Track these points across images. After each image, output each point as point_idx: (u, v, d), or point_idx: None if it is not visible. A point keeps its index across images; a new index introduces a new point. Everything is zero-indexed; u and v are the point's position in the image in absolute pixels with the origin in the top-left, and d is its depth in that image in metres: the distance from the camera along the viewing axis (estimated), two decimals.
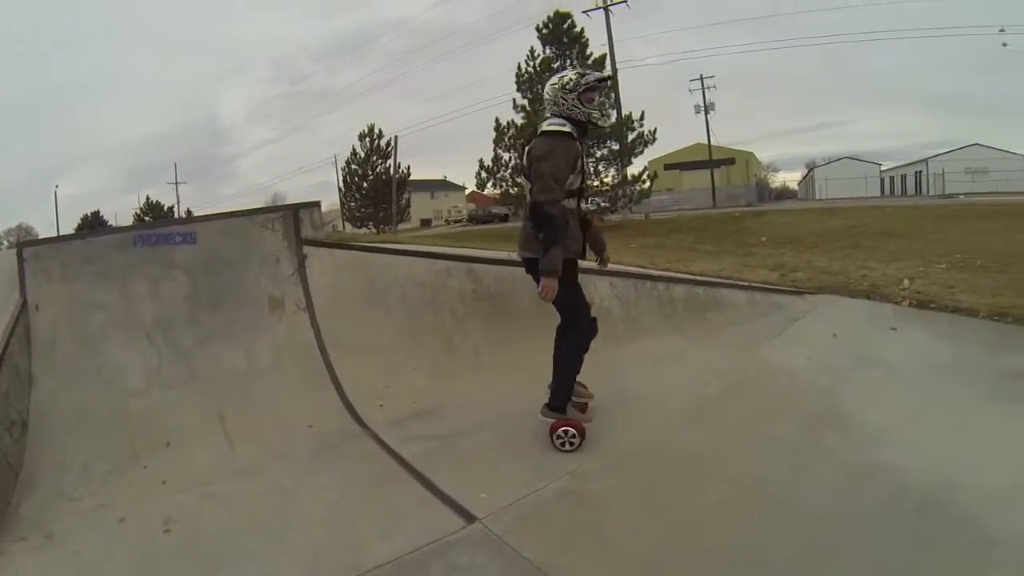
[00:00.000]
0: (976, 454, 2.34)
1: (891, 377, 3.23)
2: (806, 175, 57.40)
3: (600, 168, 20.94)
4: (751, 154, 48.04)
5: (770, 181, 57.27)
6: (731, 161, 39.95)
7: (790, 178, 68.95)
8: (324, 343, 3.54)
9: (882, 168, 49.96)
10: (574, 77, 2.68)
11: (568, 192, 2.62)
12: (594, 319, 2.85)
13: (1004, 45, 34.29)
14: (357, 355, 3.47)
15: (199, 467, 2.67)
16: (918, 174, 43.24)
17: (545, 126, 2.68)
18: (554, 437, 2.63)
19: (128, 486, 2.56)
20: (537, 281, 2.58)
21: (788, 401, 2.99)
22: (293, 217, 3.85)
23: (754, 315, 4.50)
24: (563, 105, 2.67)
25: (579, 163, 2.65)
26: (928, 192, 38.02)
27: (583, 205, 2.87)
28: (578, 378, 2.84)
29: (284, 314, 3.64)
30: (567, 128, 2.61)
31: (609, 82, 3.96)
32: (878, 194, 42.22)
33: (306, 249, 3.82)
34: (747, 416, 2.83)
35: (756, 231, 12.44)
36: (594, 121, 2.73)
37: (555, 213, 2.49)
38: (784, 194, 54.44)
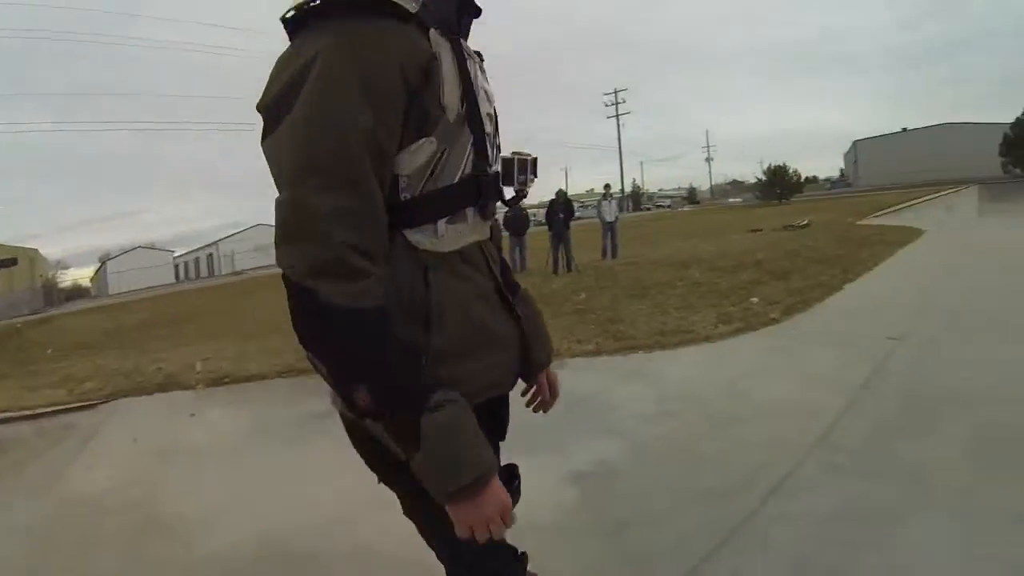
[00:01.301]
0: (251, 496, 2.71)
1: (198, 461, 3.36)
2: (98, 270, 53.77)
3: None
4: (36, 251, 41.32)
5: (59, 281, 51.57)
6: (13, 262, 32.30)
7: (83, 275, 62.31)
8: None
9: (175, 255, 52.67)
10: None
11: (424, 200, 0.83)
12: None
13: None
14: None
15: None
16: (210, 256, 48.16)
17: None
18: None
19: None
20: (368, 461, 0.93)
21: (105, 533, 2.67)
22: None
23: (45, 447, 4.01)
24: None
25: (442, 92, 0.81)
26: (220, 272, 43.10)
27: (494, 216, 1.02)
28: None
29: None
30: None
31: None
32: (172, 281, 44.32)
33: None
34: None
35: (42, 342, 11.09)
36: None
37: (343, 306, 0.71)
38: (76, 294, 48.97)
